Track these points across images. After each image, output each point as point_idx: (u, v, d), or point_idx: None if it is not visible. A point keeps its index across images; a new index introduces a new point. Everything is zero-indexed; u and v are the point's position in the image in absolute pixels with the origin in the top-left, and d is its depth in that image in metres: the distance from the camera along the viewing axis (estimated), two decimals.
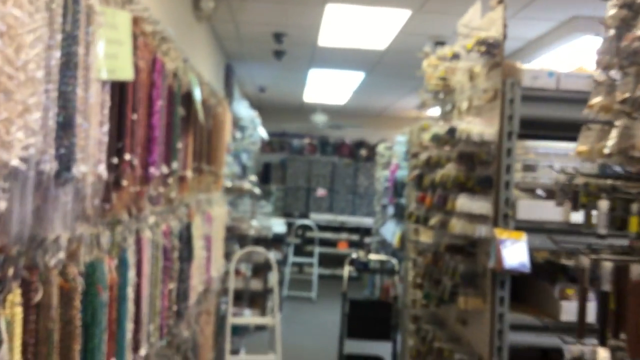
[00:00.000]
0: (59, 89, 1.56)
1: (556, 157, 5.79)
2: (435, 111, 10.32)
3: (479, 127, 2.53)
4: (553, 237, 2.26)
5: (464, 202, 2.53)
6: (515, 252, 2.42)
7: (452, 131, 2.62)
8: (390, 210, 8.87)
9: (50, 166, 1.50)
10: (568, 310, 2.54)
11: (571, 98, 2.55)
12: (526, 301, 2.78)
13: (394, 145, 8.89)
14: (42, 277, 1.58)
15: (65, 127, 1.68)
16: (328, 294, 9.92)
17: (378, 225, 9.83)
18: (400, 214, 8.05)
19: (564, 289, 2.63)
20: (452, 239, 2.77)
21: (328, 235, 11.33)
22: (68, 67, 1.59)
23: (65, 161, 1.69)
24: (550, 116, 2.57)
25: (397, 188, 8.19)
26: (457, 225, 2.59)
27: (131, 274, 2.31)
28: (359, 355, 5.40)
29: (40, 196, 1.50)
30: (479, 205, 2.53)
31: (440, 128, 2.89)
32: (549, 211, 2.54)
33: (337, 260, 11.39)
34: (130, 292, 2.30)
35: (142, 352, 2.54)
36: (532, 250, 2.51)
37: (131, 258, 2.32)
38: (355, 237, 11.49)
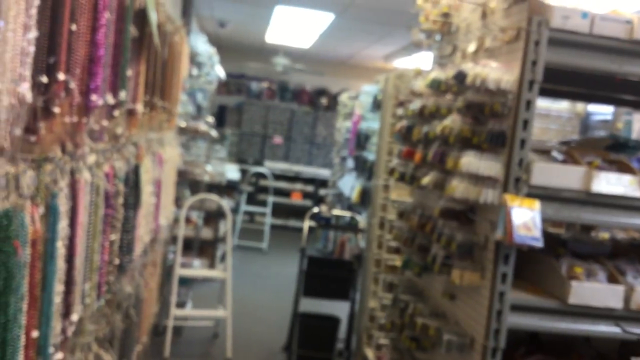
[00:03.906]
0: None
1: (537, 118, 5.48)
2: (404, 62, 9.85)
3: (496, 73, 2.12)
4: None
5: (470, 161, 2.14)
6: (527, 223, 2.06)
7: (460, 76, 2.20)
8: (350, 163, 8.52)
9: None
10: (578, 292, 2.22)
11: (605, 46, 2.16)
12: (526, 277, 2.45)
13: (358, 95, 8.47)
14: None
15: None
16: (279, 245, 9.60)
17: (336, 178, 9.49)
18: (361, 167, 7.71)
19: (572, 267, 2.31)
20: (448, 202, 2.39)
21: (282, 184, 10.94)
22: None
23: None
24: (579, 65, 2.17)
25: (360, 140, 7.82)
26: (458, 188, 2.20)
27: (62, 224, 1.85)
28: (314, 315, 5.07)
29: None
30: (488, 165, 2.14)
31: (442, 73, 2.46)
32: (568, 177, 2.18)
33: (290, 211, 11.05)
34: (60, 247, 1.85)
35: (74, 317, 2.10)
36: (545, 221, 2.15)
37: (63, 205, 1.84)
38: (310, 189, 11.13)
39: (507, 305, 2.19)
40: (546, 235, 2.50)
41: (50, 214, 1.74)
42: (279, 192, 10.80)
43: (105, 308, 2.76)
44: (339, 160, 9.43)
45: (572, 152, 2.43)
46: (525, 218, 2.06)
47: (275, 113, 11.61)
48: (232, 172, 8.06)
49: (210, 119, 7.00)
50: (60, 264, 1.87)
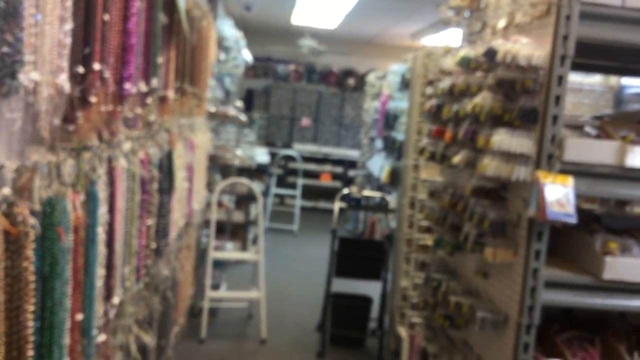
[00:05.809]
0: None
1: (570, 92, 5.39)
2: (432, 40, 9.74)
3: (527, 49, 2.10)
4: None
5: (502, 139, 2.14)
6: (560, 200, 2.05)
7: (490, 53, 2.19)
8: (379, 143, 8.50)
9: None
10: (612, 268, 2.21)
11: (639, 18, 2.12)
12: (559, 254, 2.44)
13: (386, 75, 8.42)
14: None
15: (7, 15, 1.22)
16: (310, 226, 9.66)
17: (365, 159, 9.48)
18: (390, 148, 7.68)
19: (606, 242, 2.29)
20: (480, 180, 2.38)
21: (311, 166, 10.97)
22: None
23: (9, 64, 1.25)
24: (611, 39, 2.14)
25: (388, 120, 7.79)
26: (490, 166, 2.20)
27: (102, 210, 1.90)
28: (346, 295, 5.12)
29: None
30: (520, 142, 2.14)
31: (471, 50, 2.45)
32: (601, 152, 2.16)
33: (320, 193, 11.10)
34: (100, 233, 1.91)
35: (116, 299, 2.17)
36: (578, 197, 2.14)
37: (102, 192, 1.90)
38: (339, 170, 11.15)
39: (541, 282, 2.20)
40: (580, 211, 2.48)
41: (91, 201, 1.80)
42: (308, 174, 10.83)
43: (144, 291, 2.83)
44: (367, 141, 9.41)
45: (606, 126, 2.40)
46: (559, 194, 2.06)
47: (303, 95, 11.62)
48: (261, 155, 8.12)
49: (239, 103, 7.04)
50: (101, 249, 1.93)
